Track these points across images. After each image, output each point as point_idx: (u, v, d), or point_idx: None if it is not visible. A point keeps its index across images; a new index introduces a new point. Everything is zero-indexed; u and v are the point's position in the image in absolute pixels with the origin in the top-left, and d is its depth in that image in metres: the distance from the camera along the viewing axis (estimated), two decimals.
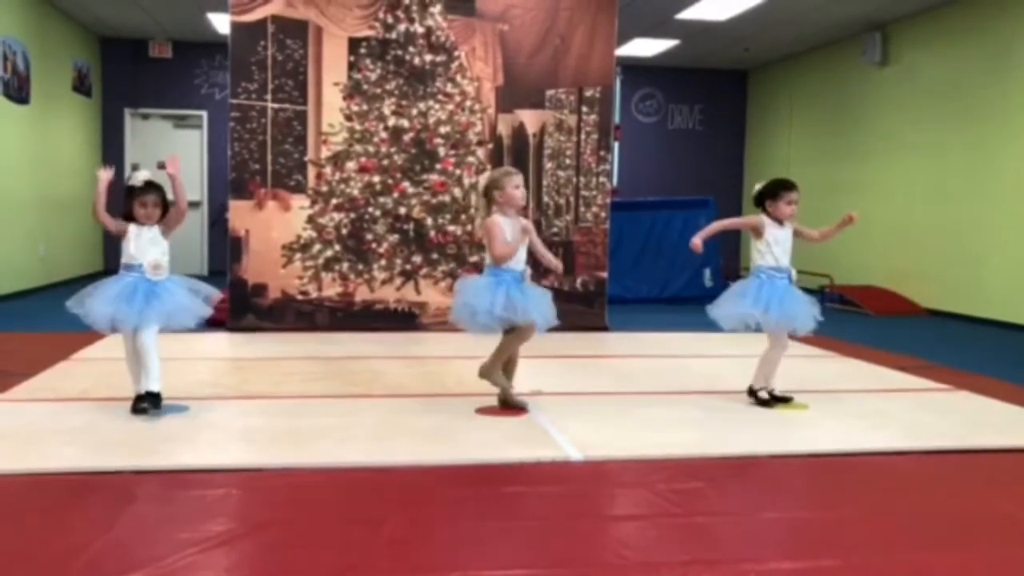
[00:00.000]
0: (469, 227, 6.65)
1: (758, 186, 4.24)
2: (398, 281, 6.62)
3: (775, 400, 4.12)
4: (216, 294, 3.86)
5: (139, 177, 3.72)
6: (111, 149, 10.87)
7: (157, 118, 11.17)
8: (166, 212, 3.75)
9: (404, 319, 6.59)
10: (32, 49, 8.55)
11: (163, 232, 3.74)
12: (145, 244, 3.68)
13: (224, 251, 6.70)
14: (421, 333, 6.45)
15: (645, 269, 9.06)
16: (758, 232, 4.12)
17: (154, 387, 3.66)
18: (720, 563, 2.30)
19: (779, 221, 4.13)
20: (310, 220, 6.48)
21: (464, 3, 6.64)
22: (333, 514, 2.64)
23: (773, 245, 4.10)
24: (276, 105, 6.44)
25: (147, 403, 3.63)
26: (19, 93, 8.28)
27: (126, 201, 3.71)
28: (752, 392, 4.18)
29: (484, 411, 3.87)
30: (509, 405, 3.91)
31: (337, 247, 6.52)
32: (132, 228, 3.70)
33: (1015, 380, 4.96)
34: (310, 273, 6.49)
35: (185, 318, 3.71)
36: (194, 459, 3.09)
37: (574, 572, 2.26)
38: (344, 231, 6.52)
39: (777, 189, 4.17)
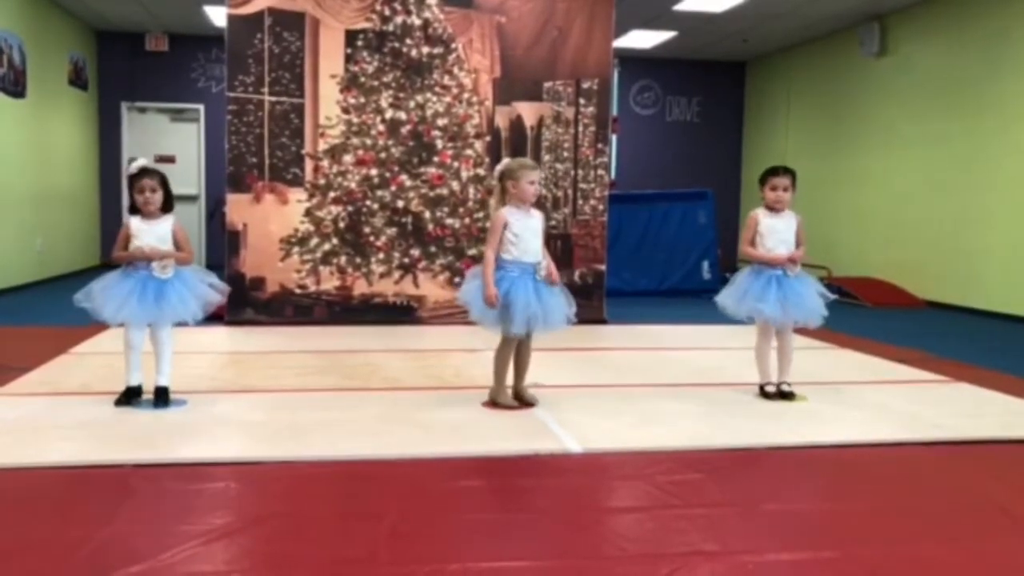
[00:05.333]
0: (467, 220, 6.65)
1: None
2: (396, 274, 6.61)
3: (782, 396, 4.08)
4: (224, 288, 3.86)
5: (135, 165, 3.69)
6: (108, 143, 10.86)
7: (154, 111, 11.15)
8: (169, 198, 3.72)
9: (402, 312, 6.59)
10: (28, 43, 8.52)
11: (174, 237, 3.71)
12: (151, 243, 3.64)
13: (222, 245, 6.69)
14: (419, 327, 6.45)
15: (643, 262, 9.05)
16: (757, 231, 4.06)
17: (163, 382, 3.74)
18: (719, 555, 2.31)
19: (773, 210, 4.08)
20: (308, 213, 6.47)
21: None
22: (333, 507, 2.64)
23: (766, 236, 4.04)
24: (273, 98, 6.43)
25: (157, 398, 3.70)
26: (15, 87, 8.26)
27: (129, 193, 3.70)
28: (779, 392, 4.10)
29: (489, 404, 3.87)
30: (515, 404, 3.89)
31: (335, 240, 6.51)
32: (134, 224, 3.67)
33: (1013, 371, 4.97)
34: (308, 267, 6.49)
35: (196, 313, 3.71)
36: (193, 452, 3.09)
37: (574, 564, 2.26)
38: (342, 224, 6.52)
39: (764, 175, 4.11)
